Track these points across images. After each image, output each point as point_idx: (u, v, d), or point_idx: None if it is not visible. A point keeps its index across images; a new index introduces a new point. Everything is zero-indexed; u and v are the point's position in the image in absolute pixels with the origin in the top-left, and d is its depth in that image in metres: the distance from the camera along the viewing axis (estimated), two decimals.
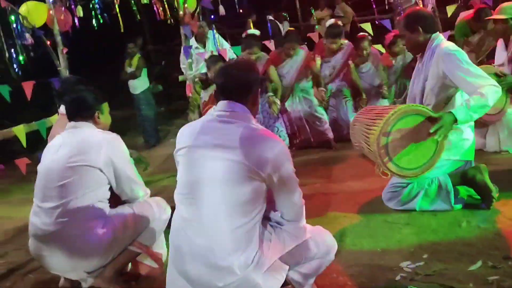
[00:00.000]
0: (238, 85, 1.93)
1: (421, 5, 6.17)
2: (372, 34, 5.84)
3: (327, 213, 3.24)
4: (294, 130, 5.37)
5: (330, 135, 5.27)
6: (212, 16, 7.75)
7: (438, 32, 3.09)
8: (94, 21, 6.81)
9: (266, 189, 1.86)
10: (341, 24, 5.52)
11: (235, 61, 2.38)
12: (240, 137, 1.81)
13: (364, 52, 5.37)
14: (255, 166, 1.78)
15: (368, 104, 5.20)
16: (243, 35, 5.21)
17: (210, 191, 1.82)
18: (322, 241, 2.06)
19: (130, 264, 2.69)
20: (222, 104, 1.93)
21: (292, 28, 5.22)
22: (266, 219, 1.99)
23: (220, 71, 2.04)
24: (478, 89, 2.74)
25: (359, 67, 5.46)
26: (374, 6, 9.22)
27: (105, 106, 2.66)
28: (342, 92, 5.44)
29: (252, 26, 8.53)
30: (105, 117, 2.66)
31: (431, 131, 2.72)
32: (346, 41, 5.44)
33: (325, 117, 5.29)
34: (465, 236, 2.59)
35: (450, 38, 5.04)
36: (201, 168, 1.84)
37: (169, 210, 2.59)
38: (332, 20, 5.41)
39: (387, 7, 8.47)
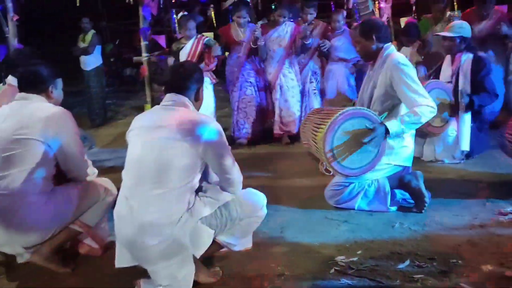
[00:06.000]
0: (181, 81, 2.26)
1: (378, 15, 6.40)
2: None
3: (271, 205, 3.31)
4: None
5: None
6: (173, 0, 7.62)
7: (390, 43, 3.25)
8: None
9: (201, 161, 2.14)
10: None
11: (182, 62, 2.87)
12: (178, 119, 2.12)
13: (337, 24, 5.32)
14: (191, 141, 2.07)
15: None
16: None
17: (148, 162, 2.09)
18: (246, 201, 2.29)
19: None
20: (167, 96, 2.26)
21: None
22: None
23: (169, 70, 2.46)
24: (415, 106, 2.95)
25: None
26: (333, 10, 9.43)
27: (59, 82, 2.62)
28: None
29: (213, 14, 8.49)
30: (58, 92, 2.61)
31: (364, 141, 2.91)
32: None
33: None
34: (397, 236, 2.75)
35: None
36: (144, 145, 2.14)
37: (115, 192, 2.55)
38: None
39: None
